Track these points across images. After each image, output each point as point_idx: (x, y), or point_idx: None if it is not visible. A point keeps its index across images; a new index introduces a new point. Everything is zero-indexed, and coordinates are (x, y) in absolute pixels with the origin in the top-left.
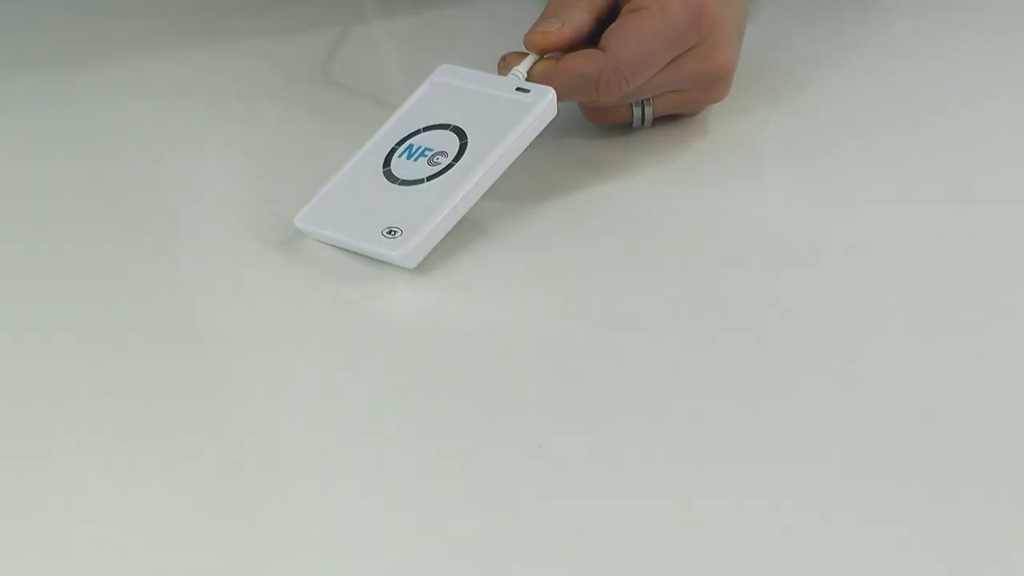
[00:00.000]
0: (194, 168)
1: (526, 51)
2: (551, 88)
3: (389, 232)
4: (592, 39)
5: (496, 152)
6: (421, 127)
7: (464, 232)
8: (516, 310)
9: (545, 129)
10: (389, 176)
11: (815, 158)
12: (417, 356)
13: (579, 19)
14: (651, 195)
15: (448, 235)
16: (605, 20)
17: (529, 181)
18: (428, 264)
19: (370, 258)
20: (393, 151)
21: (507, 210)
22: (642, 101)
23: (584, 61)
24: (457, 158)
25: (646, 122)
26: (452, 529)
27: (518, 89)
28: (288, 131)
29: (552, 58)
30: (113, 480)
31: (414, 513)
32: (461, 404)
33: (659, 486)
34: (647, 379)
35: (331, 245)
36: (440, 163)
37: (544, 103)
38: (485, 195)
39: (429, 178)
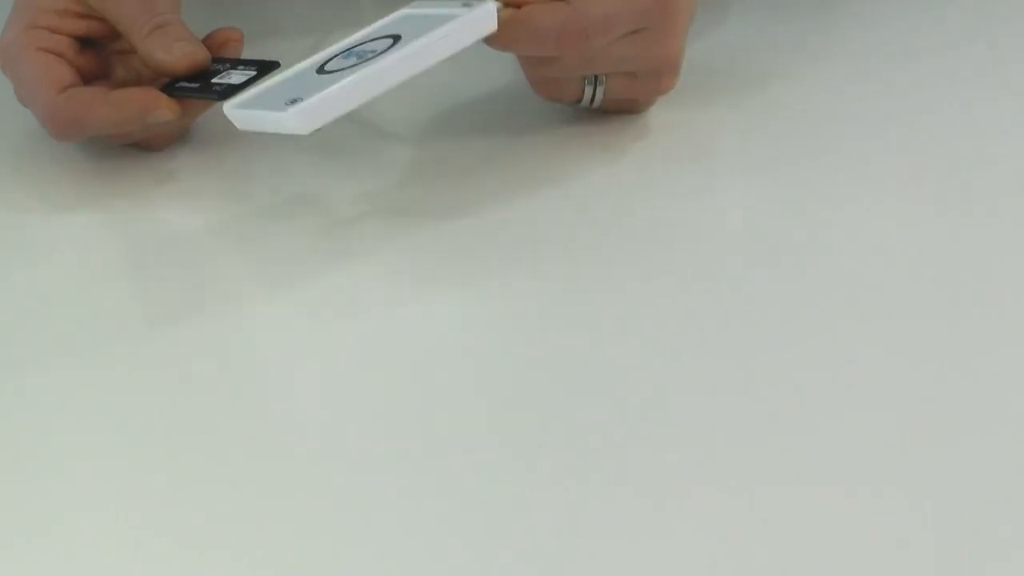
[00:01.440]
0: (179, 172)
1: None
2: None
3: (291, 102)
4: None
5: (417, 43)
6: (364, 39)
7: (430, 238)
8: (493, 311)
9: (504, 134)
10: (319, 71)
11: (797, 160)
12: (398, 358)
13: None
14: (640, 197)
15: (405, 237)
16: None
17: (491, 187)
18: (398, 268)
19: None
20: (332, 58)
21: (482, 214)
22: (595, 79)
23: (546, 10)
24: (383, 55)
25: (596, 102)
26: (450, 528)
27: (464, 5)
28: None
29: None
30: (105, 486)
31: (410, 513)
32: (448, 405)
33: (656, 486)
34: (642, 380)
35: (247, 131)
36: (367, 59)
37: (481, 10)
38: (456, 199)
39: (351, 68)
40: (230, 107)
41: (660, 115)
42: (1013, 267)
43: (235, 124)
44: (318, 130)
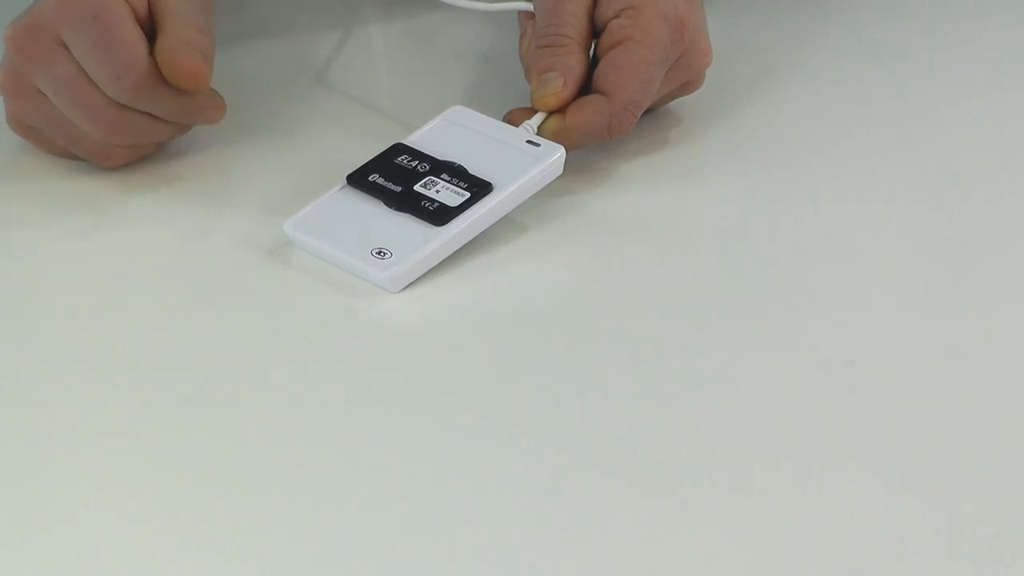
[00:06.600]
0: (188, 172)
1: (531, 105)
2: (561, 147)
3: (378, 253)
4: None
5: (497, 197)
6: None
7: None
8: (510, 315)
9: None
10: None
11: (799, 158)
12: (414, 360)
13: (578, 68)
14: (639, 198)
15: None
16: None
17: None
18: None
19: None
20: None
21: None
22: None
23: (592, 112)
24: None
25: None
26: (456, 530)
27: (528, 142)
28: (283, 136)
29: (560, 112)
30: (111, 487)
31: (410, 513)
32: (460, 408)
33: (656, 488)
34: (645, 381)
35: (316, 257)
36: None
37: (552, 159)
38: None
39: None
40: (292, 229)
41: (649, 113)
42: (1006, 263)
43: (294, 243)
44: None
